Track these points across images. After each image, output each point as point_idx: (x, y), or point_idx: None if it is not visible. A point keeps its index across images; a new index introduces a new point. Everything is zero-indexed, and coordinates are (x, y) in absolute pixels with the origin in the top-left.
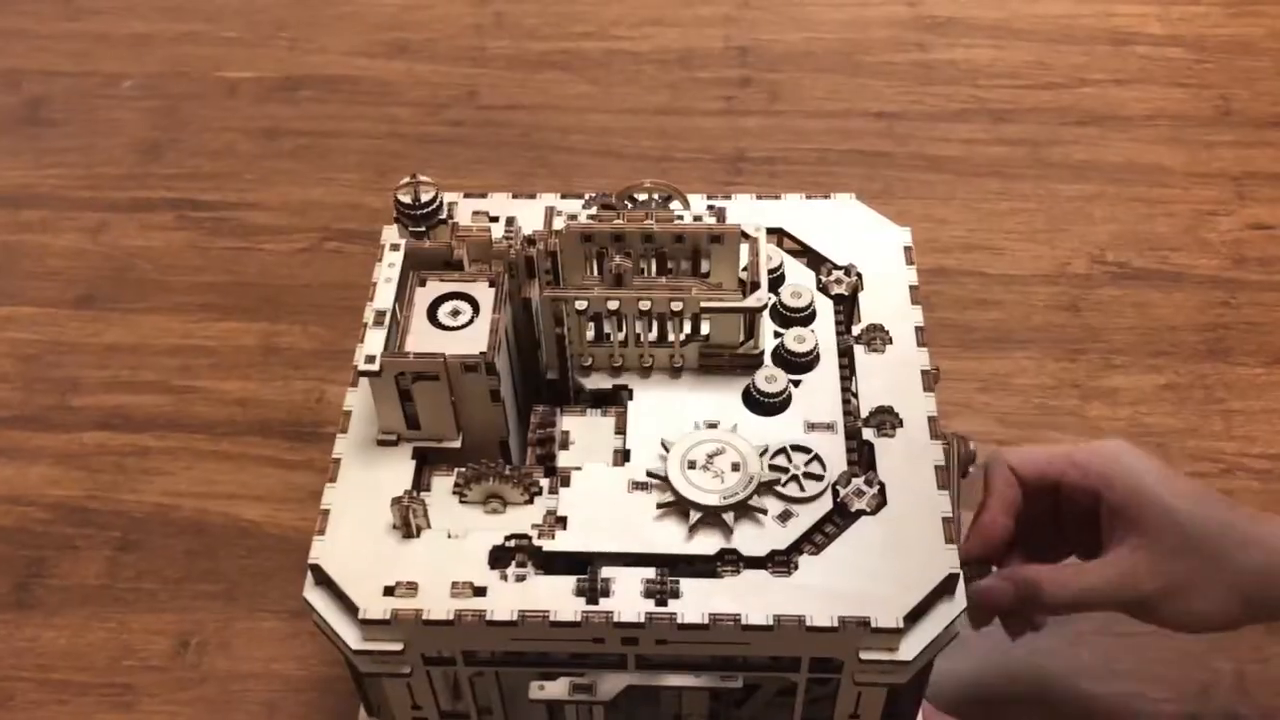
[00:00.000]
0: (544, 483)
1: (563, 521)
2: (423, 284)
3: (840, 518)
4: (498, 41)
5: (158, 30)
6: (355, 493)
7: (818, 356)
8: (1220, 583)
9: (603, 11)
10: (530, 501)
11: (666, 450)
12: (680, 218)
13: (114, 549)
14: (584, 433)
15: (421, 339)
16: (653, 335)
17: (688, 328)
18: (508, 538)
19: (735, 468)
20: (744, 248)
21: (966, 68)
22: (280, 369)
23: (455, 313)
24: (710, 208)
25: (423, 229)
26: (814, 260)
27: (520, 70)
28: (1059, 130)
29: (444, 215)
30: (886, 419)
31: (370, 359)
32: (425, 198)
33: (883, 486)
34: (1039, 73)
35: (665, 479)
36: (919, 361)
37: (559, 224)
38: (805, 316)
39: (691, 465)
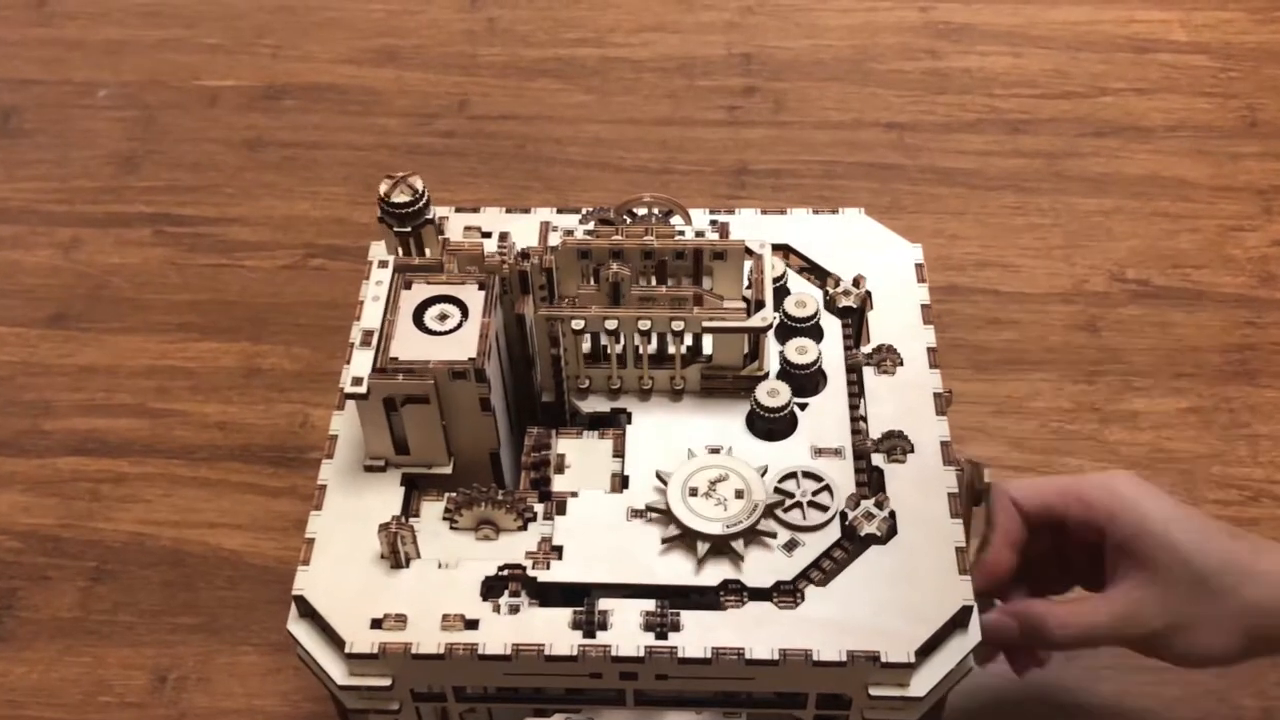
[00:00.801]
0: (538, 508)
1: (558, 551)
2: (408, 286)
3: (849, 542)
4: (490, 49)
5: (134, 36)
6: (341, 521)
7: (822, 373)
8: (1224, 618)
9: (600, 17)
10: (524, 528)
11: (666, 477)
12: (681, 234)
13: (88, 580)
14: (580, 456)
15: (407, 345)
16: (652, 346)
17: (689, 339)
18: (501, 567)
19: (739, 495)
20: (748, 265)
21: (981, 76)
22: (262, 391)
23: (443, 317)
24: (713, 223)
25: (409, 229)
26: (820, 276)
27: (514, 79)
28: (1077, 142)
29: (430, 215)
30: (897, 444)
31: (357, 381)
32: (411, 195)
33: (893, 511)
34: (1057, 81)
35: (665, 506)
36: (931, 384)
37: (554, 240)
38: (810, 328)
39: (693, 492)
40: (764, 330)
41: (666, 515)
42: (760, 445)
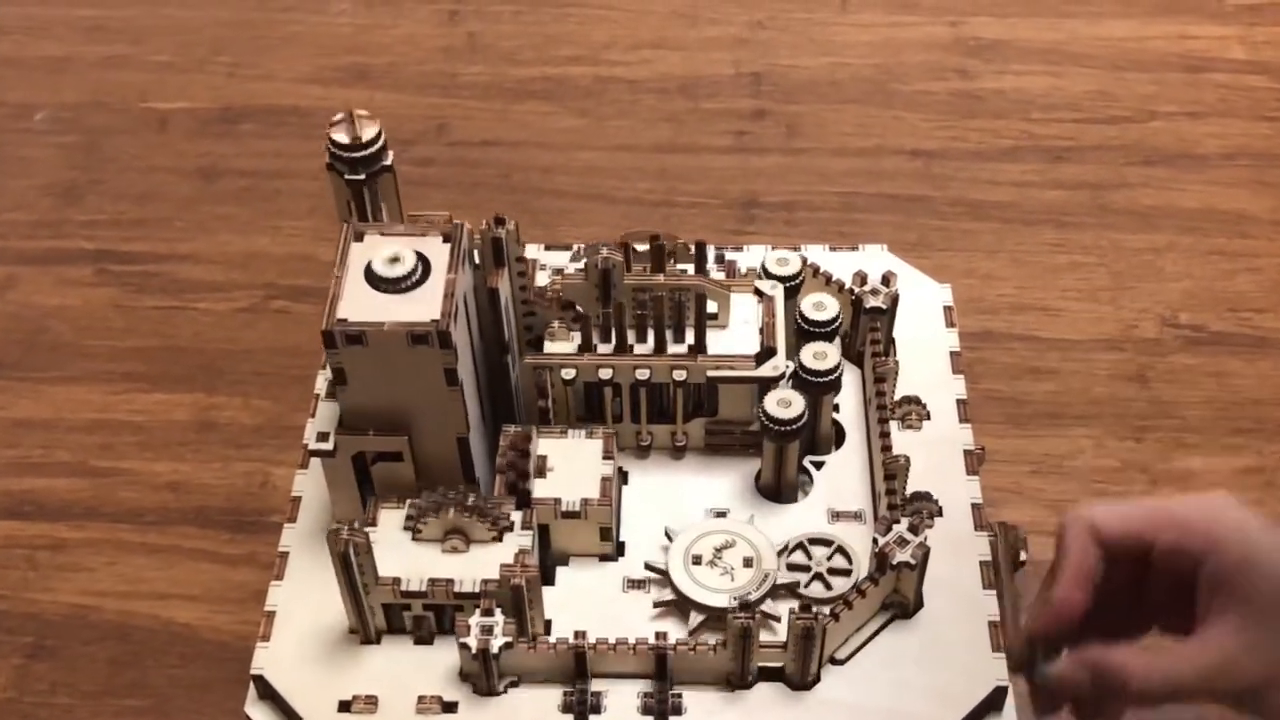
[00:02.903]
0: (516, 516)
1: (548, 626)
2: (359, 239)
3: (878, 573)
4: (471, 67)
5: (75, 53)
6: (305, 592)
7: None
8: None
9: (593, 32)
10: (499, 539)
11: (673, 534)
12: (683, 272)
13: (24, 657)
14: (565, 457)
15: (357, 304)
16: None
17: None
18: (479, 647)
19: (748, 563)
20: (758, 307)
21: (1017, 98)
22: (218, 448)
23: (401, 274)
24: (719, 261)
25: (362, 176)
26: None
27: (497, 100)
28: (1124, 171)
29: (388, 161)
30: (923, 506)
31: (323, 437)
32: (367, 134)
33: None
34: (1101, 104)
35: (665, 575)
36: (961, 440)
37: (543, 279)
38: (829, 332)
39: (696, 560)
40: (775, 381)
41: (664, 579)
42: (772, 508)
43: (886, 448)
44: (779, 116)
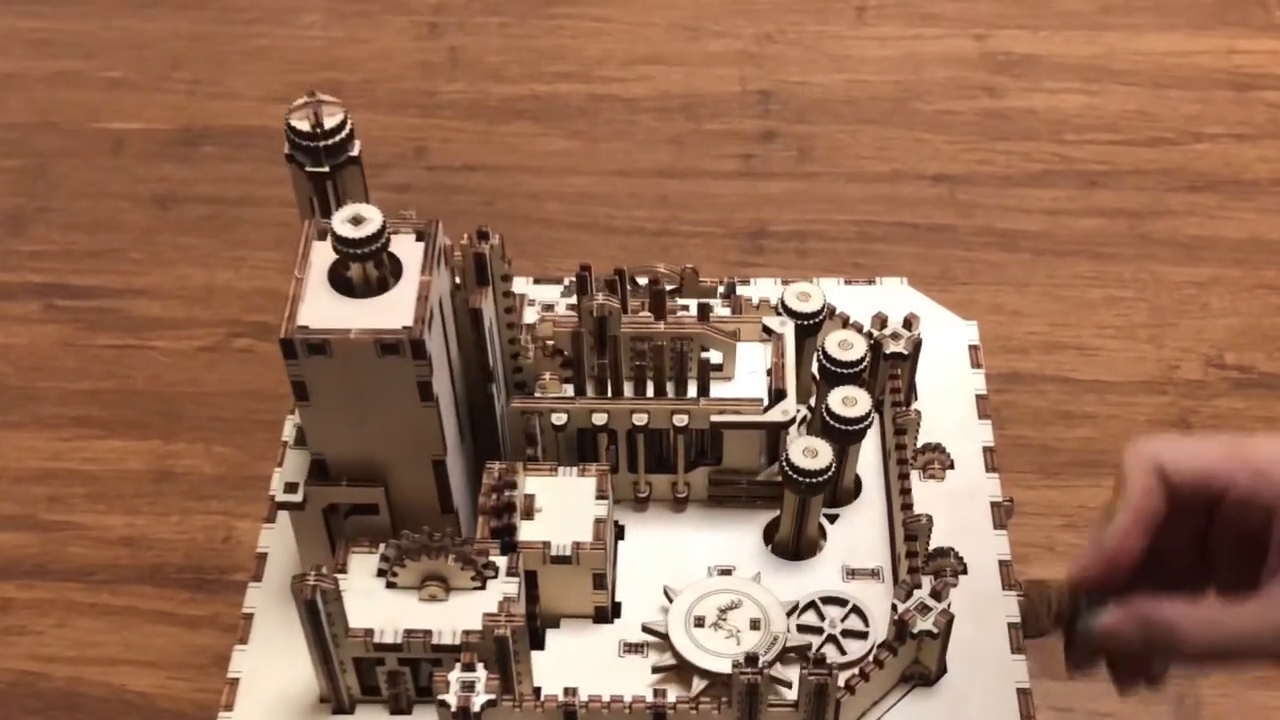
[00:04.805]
0: (500, 561)
1: (537, 693)
2: (322, 236)
3: (898, 642)
4: (452, 84)
5: (21, 69)
6: (272, 657)
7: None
8: None
9: (586, 46)
10: (482, 586)
11: (673, 594)
12: (684, 308)
13: None
14: (555, 497)
15: (320, 309)
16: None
17: (686, 420)
18: (460, 705)
19: (755, 625)
20: (765, 347)
21: (1049, 118)
22: (177, 500)
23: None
24: (724, 295)
25: (326, 169)
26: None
27: (481, 120)
28: (1166, 198)
29: (355, 151)
30: (946, 564)
31: (291, 488)
32: (330, 122)
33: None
34: (1141, 125)
35: (665, 638)
36: (987, 491)
37: (531, 316)
38: (856, 374)
39: (699, 622)
40: (785, 426)
41: (664, 641)
42: (781, 565)
43: (907, 505)
44: (789, 138)
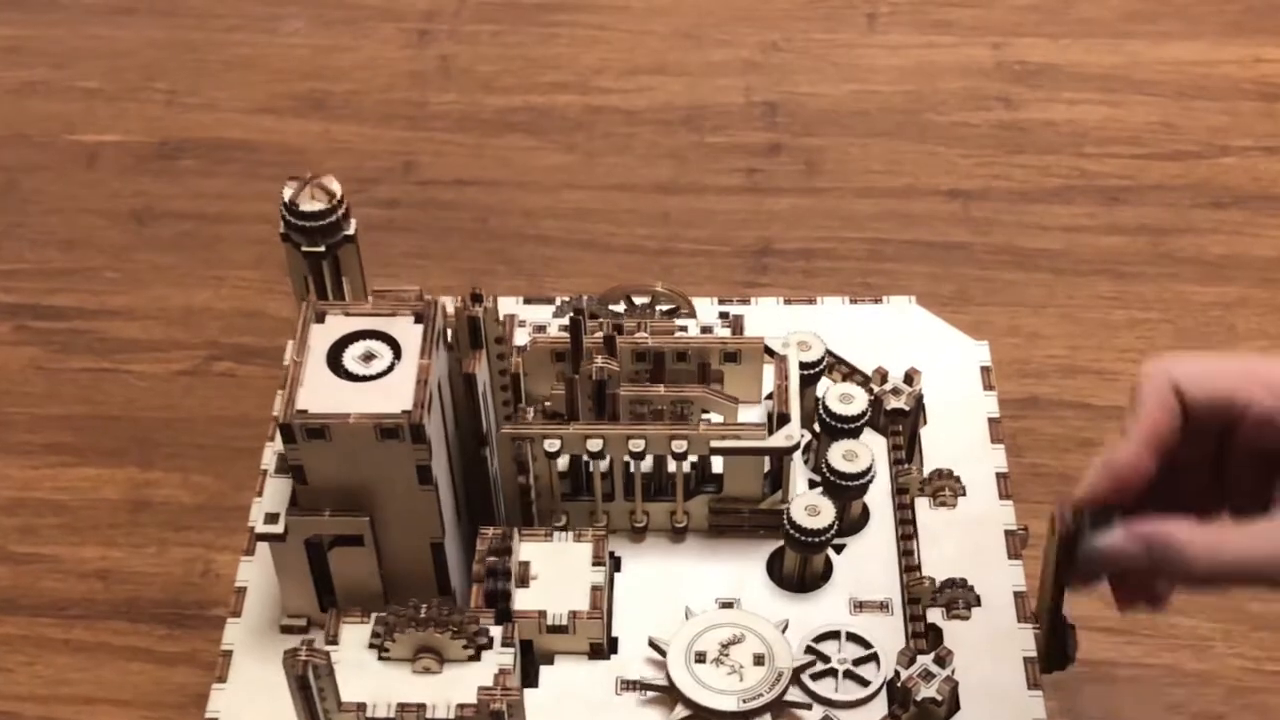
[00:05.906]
0: (495, 632)
1: None
2: (320, 319)
3: (900, 709)
4: (443, 95)
5: None
6: (251, 696)
7: (870, 480)
8: None
9: (583, 55)
10: (476, 657)
11: (664, 646)
12: (684, 329)
13: None
14: (550, 564)
15: (320, 393)
16: (647, 463)
17: (692, 458)
18: None
19: (758, 661)
20: (768, 370)
21: (1068, 131)
22: (154, 531)
23: (368, 357)
24: (724, 316)
25: (322, 248)
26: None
27: (472, 133)
28: (1190, 214)
29: (351, 230)
30: (958, 595)
31: (272, 518)
32: (327, 200)
33: (955, 683)
34: (1165, 138)
35: (666, 682)
36: (1001, 519)
37: (522, 338)
38: (857, 429)
39: (700, 658)
40: (789, 452)
41: (667, 693)
42: (785, 597)
43: (911, 568)
44: (796, 151)
